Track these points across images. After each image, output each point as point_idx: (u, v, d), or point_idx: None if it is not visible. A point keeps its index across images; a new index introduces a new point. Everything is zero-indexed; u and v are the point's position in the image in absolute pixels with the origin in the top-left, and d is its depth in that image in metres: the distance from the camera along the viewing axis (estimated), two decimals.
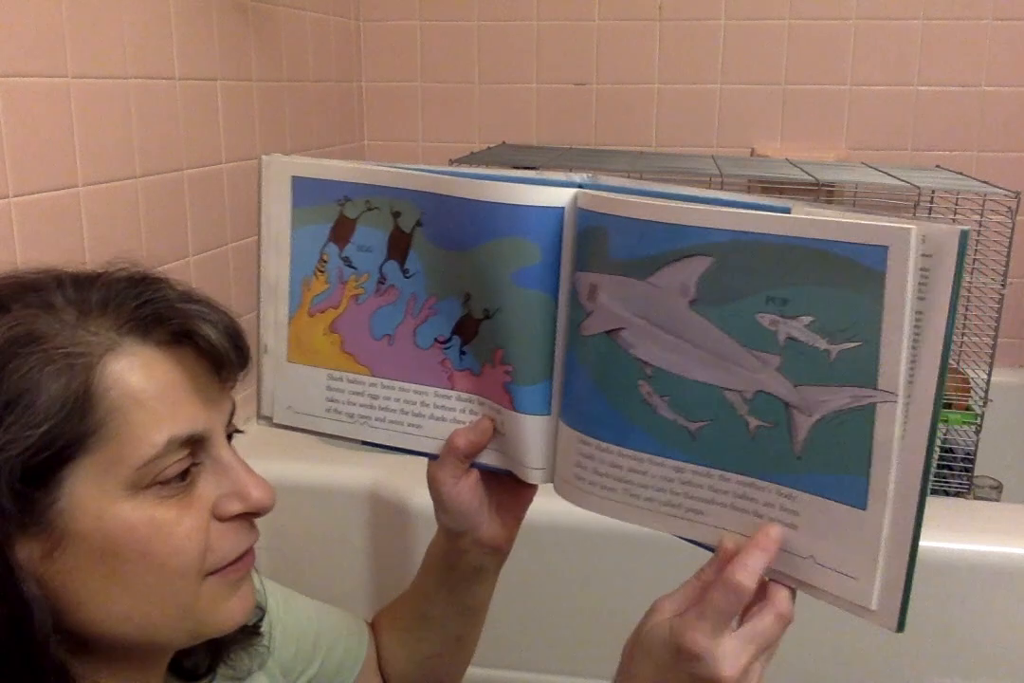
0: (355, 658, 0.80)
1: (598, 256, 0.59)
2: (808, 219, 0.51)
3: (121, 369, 0.52)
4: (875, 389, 0.51)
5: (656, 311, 0.57)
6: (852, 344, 0.51)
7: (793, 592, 0.56)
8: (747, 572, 0.54)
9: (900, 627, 0.52)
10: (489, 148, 1.91)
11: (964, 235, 0.48)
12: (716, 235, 0.54)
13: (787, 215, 0.52)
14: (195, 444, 0.55)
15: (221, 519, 0.56)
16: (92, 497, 0.51)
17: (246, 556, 0.58)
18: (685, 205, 0.56)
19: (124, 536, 0.52)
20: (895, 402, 0.50)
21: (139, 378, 0.52)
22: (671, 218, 0.56)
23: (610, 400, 0.61)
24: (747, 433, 0.56)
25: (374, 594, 1.34)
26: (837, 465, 0.53)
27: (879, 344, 0.50)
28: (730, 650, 0.53)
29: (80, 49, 1.09)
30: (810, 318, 0.52)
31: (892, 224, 0.49)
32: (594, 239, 0.60)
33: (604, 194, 0.59)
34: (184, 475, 0.54)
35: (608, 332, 0.60)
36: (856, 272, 0.50)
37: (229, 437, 0.59)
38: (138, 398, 0.52)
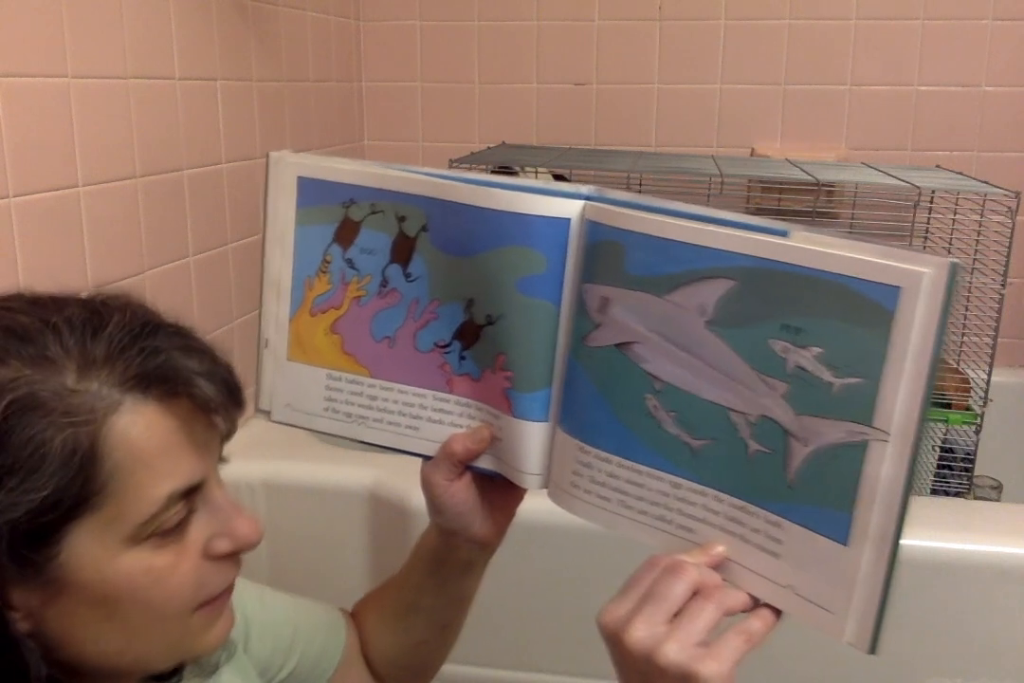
0: (334, 649, 0.81)
1: (613, 270, 0.59)
2: (829, 253, 0.51)
3: (125, 429, 0.51)
4: (870, 426, 0.51)
5: (672, 328, 0.58)
6: (855, 380, 0.51)
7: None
8: (669, 557, 0.57)
9: (872, 650, 0.53)
10: (489, 148, 1.91)
11: (953, 268, 0.48)
12: (739, 259, 0.54)
13: (809, 247, 0.52)
14: (191, 493, 0.55)
15: (210, 558, 0.57)
16: (92, 551, 0.52)
17: (229, 587, 0.59)
18: (707, 227, 0.56)
19: (123, 585, 0.53)
20: (886, 441, 0.51)
21: (142, 437, 0.52)
22: (694, 239, 0.56)
23: (614, 411, 0.61)
24: (746, 456, 0.56)
25: None
26: (825, 498, 0.53)
27: (879, 382, 0.50)
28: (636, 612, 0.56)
29: (80, 49, 1.09)
30: (819, 349, 0.52)
31: (907, 266, 0.49)
32: (608, 253, 0.60)
33: (618, 209, 0.59)
34: (180, 523, 0.55)
35: (618, 345, 0.60)
36: (868, 309, 0.50)
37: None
38: (141, 457, 0.52)
